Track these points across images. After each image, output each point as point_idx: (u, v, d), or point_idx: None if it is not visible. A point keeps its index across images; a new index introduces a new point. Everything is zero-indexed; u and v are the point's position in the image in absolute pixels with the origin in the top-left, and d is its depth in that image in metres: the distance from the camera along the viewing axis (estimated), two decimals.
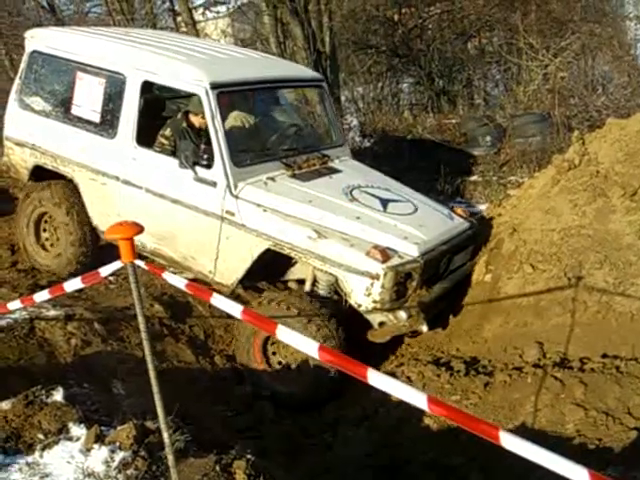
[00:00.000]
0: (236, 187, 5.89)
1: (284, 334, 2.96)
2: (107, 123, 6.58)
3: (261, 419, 5.28)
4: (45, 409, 3.92)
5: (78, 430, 3.75)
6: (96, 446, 3.57)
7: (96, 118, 6.66)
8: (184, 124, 6.38)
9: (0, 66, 20.87)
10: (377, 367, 5.54)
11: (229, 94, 6.33)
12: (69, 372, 4.94)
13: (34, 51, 7.21)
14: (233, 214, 5.87)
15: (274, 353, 5.76)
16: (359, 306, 5.47)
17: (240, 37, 22.51)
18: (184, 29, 16.95)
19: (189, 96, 6.47)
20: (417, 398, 2.49)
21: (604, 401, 4.33)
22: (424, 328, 5.53)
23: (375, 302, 5.36)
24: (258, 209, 5.81)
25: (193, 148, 5.96)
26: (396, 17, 18.46)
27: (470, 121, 13.16)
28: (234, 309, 3.17)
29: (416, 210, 6.17)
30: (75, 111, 6.82)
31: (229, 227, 5.90)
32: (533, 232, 5.97)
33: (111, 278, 6.56)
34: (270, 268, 6.06)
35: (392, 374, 5.37)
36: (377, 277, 5.29)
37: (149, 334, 3.28)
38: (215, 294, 3.32)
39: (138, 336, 5.70)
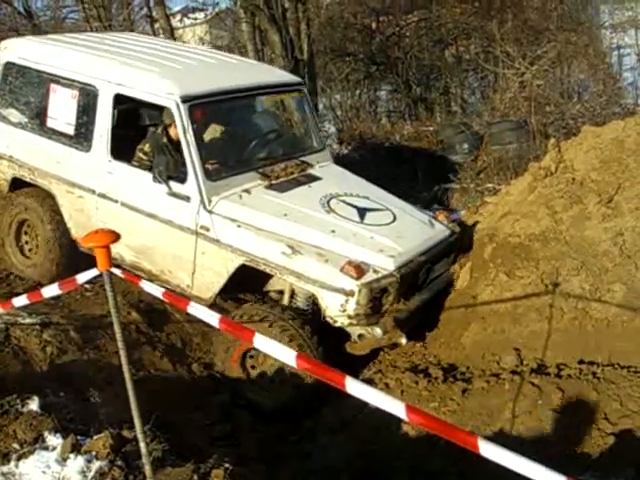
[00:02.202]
0: (210, 202, 5.82)
1: (261, 343, 2.95)
2: (82, 136, 6.51)
3: (239, 427, 5.26)
4: (20, 418, 3.89)
5: (54, 439, 3.72)
6: (72, 456, 3.55)
7: (70, 131, 6.60)
8: (164, 139, 6.26)
9: None
10: (355, 374, 5.52)
11: (202, 106, 6.19)
12: (45, 381, 4.89)
13: (8, 62, 7.12)
14: (208, 229, 5.81)
15: (253, 367, 5.70)
16: (335, 322, 5.40)
17: (218, 44, 22.50)
18: (162, 36, 16.90)
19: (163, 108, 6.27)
20: (395, 407, 2.49)
21: (581, 407, 4.36)
22: (403, 341, 5.49)
23: (350, 318, 5.31)
24: (232, 224, 5.75)
25: (167, 162, 5.89)
26: (374, 25, 18.51)
27: (447, 128, 13.23)
28: (211, 318, 3.16)
29: (394, 219, 6.08)
30: (50, 123, 6.77)
31: (204, 242, 5.84)
32: (510, 239, 5.99)
33: (87, 286, 6.49)
34: (249, 280, 5.95)
35: (370, 381, 5.37)
36: (352, 294, 5.23)
37: (126, 342, 3.26)
38: (192, 303, 3.31)
39: (115, 344, 5.61)
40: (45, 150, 6.79)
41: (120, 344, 3.23)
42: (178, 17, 22.37)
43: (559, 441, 4.21)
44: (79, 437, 3.72)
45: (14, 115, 7.14)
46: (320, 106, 16.10)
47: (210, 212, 5.80)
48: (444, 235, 6.22)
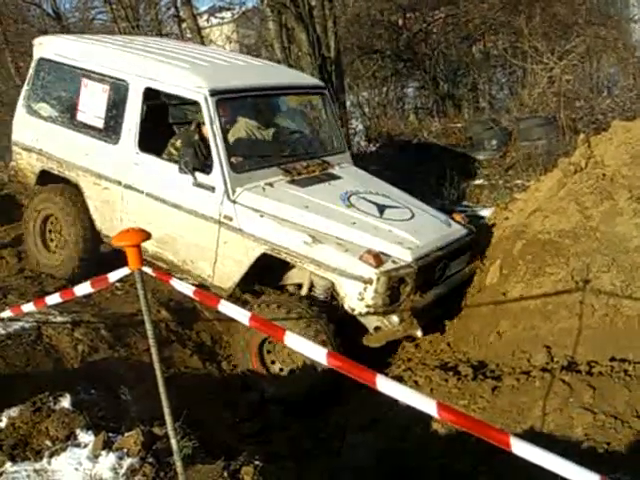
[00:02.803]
0: (234, 192, 5.98)
1: (292, 340, 2.95)
2: (110, 129, 6.73)
3: (269, 425, 5.27)
4: (53, 416, 3.93)
5: (86, 437, 3.76)
6: (104, 452, 3.57)
7: (100, 124, 6.81)
8: (196, 136, 6.41)
9: (6, 73, 20.94)
10: (384, 372, 5.52)
11: (229, 101, 6.46)
12: (76, 379, 4.94)
13: (41, 58, 7.39)
14: (231, 219, 5.96)
15: (273, 362, 5.81)
16: (353, 310, 5.51)
17: (245, 43, 22.55)
18: (189, 35, 16.97)
19: (192, 103, 6.55)
20: (427, 405, 2.48)
21: (612, 405, 4.31)
22: (419, 333, 5.59)
23: (368, 306, 5.41)
24: (255, 214, 5.89)
25: (194, 154, 6.04)
26: (400, 21, 18.46)
27: (475, 125, 13.16)
28: (242, 316, 3.17)
29: (413, 216, 6.22)
30: (80, 117, 6.98)
31: (227, 232, 6.00)
32: (539, 235, 5.95)
33: (117, 284, 6.56)
34: (268, 272, 6.11)
35: (399, 379, 5.36)
36: (370, 282, 5.35)
37: (156, 340, 3.28)
38: (222, 301, 3.32)
39: (145, 342, 5.70)
40: (74, 143, 7.00)
41: (151, 342, 3.25)
42: (205, 17, 22.41)
43: (589, 439, 4.16)
44: (110, 434, 3.75)
45: (45, 109, 7.38)
46: (347, 103, 16.05)
47: (234, 202, 5.96)
48: (460, 234, 6.31)
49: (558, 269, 5.59)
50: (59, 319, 5.70)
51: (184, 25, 17.89)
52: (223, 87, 6.27)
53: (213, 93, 6.05)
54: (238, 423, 5.27)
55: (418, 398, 2.53)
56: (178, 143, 6.54)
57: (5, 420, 3.91)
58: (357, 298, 5.42)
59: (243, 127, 6.75)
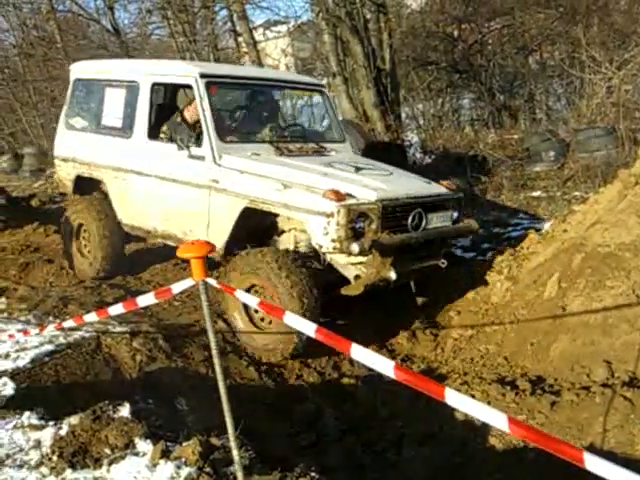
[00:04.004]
0: (220, 157, 6.62)
1: (359, 353, 2.94)
2: (126, 125, 7.63)
3: (324, 436, 5.26)
4: (112, 424, 3.98)
5: (144, 445, 3.79)
6: (162, 462, 3.60)
7: (118, 123, 7.74)
8: (178, 119, 7.24)
9: (65, 88, 21.39)
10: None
11: (217, 83, 7.13)
12: (135, 388, 5.01)
13: (77, 79, 8.54)
14: (217, 181, 6.58)
15: (256, 311, 6.14)
16: (320, 247, 5.94)
17: (300, 56, 22.71)
18: (245, 49, 17.17)
19: (188, 87, 7.26)
20: (497, 419, 2.44)
21: None
22: (392, 275, 5.83)
23: (333, 240, 5.76)
24: (237, 173, 6.48)
25: (188, 132, 6.85)
26: (456, 33, 18.41)
27: (532, 136, 13.03)
28: (307, 328, 3.18)
29: (390, 174, 6.75)
30: (104, 121, 7.97)
31: (215, 194, 6.62)
32: (599, 248, 5.85)
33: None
34: (260, 237, 6.64)
35: None
36: (332, 215, 5.72)
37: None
38: (287, 312, 3.34)
39: (202, 353, 5.76)
40: (99, 145, 7.92)
41: (214, 352, 3.30)
42: (260, 30, 22.65)
43: None
44: (168, 444, 3.77)
45: (78, 122, 8.46)
46: (403, 115, 16.07)
47: (219, 165, 6.60)
48: (439, 190, 6.64)
49: (618, 282, 5.49)
50: (118, 329, 5.80)
51: (240, 39, 18.11)
52: (211, 72, 7.12)
53: (202, 76, 6.85)
54: (293, 434, 5.27)
55: (488, 412, 2.49)
56: (164, 128, 7.29)
57: (66, 428, 3.97)
58: (322, 233, 5.81)
59: (236, 108, 7.80)
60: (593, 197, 7.11)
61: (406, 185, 6.50)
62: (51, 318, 6.08)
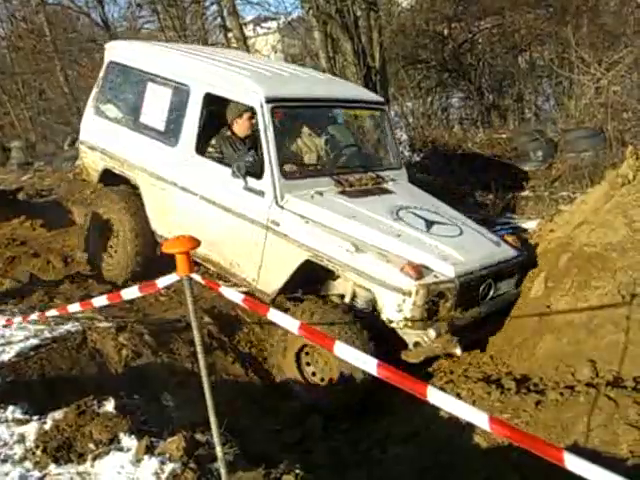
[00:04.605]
0: (282, 198, 6.02)
1: (341, 350, 2.94)
2: (170, 132, 6.88)
3: (310, 434, 5.26)
4: (97, 419, 3.96)
5: (129, 441, 3.78)
6: (146, 457, 3.59)
7: (161, 127, 6.99)
8: (228, 132, 6.66)
9: (55, 81, 21.33)
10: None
11: (284, 108, 6.51)
12: (120, 383, 4.99)
13: (111, 61, 7.71)
14: (278, 224, 5.99)
15: (308, 364, 5.77)
16: (390, 322, 5.45)
17: (290, 52, 22.69)
18: (235, 45, 17.12)
19: (250, 110, 6.50)
20: (478, 417, 2.45)
21: None
22: (458, 351, 5.42)
23: (406, 319, 5.34)
24: (301, 220, 5.91)
25: (245, 159, 6.16)
26: (446, 32, 18.45)
27: (521, 136, 13.08)
28: (291, 325, 3.17)
29: (461, 233, 6.15)
30: (143, 119, 7.20)
31: (273, 237, 6.02)
32: (586, 248, 5.87)
33: (161, 290, 6.61)
34: (313, 281, 6.12)
35: (442, 391, 5.31)
36: (409, 293, 5.27)
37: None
38: (272, 309, 3.33)
39: (188, 348, 5.75)
40: (135, 144, 7.20)
41: (199, 348, 3.28)
42: (251, 26, 22.63)
43: (635, 456, 4.09)
44: (153, 439, 3.76)
45: (111, 111, 7.66)
46: (392, 113, 16.06)
47: (282, 207, 6.00)
48: (510, 254, 6.17)
49: (604, 283, 5.50)
50: (104, 324, 5.77)
51: (230, 35, 18.07)
52: (279, 95, 6.34)
53: (268, 100, 6.13)
54: (279, 431, 5.27)
55: (470, 411, 2.50)
56: (213, 141, 6.72)
57: (50, 422, 3.95)
58: (395, 309, 5.37)
59: (298, 136, 6.88)
60: (580, 197, 7.13)
61: (479, 251, 5.96)
62: (37, 312, 6.05)
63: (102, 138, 7.60)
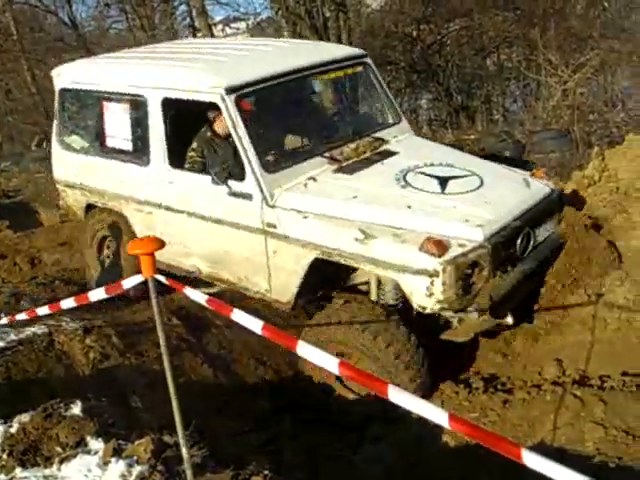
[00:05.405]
0: (272, 196, 5.39)
1: (304, 350, 2.94)
2: (139, 150, 6.33)
3: (280, 434, 5.25)
4: (63, 422, 3.94)
5: (96, 444, 3.76)
6: (113, 460, 3.57)
7: (128, 147, 6.45)
8: (208, 134, 6.08)
9: (22, 81, 21.10)
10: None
11: (250, 95, 5.75)
12: (87, 385, 4.95)
13: (62, 89, 7.11)
14: (275, 226, 5.38)
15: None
16: (424, 309, 4.76)
17: None
18: None
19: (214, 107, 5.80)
20: (438, 415, 2.47)
21: (624, 419, 4.28)
22: (509, 320, 4.98)
23: (440, 302, 4.64)
24: (298, 216, 5.28)
25: (221, 162, 5.69)
26: (415, 33, 18.51)
27: (489, 137, 13.13)
28: (254, 325, 3.16)
29: (482, 184, 5.37)
30: (109, 143, 6.65)
31: (273, 241, 5.43)
32: None
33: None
34: (332, 275, 5.51)
35: None
36: (436, 274, 4.57)
37: (167, 348, 3.28)
38: (235, 310, 3.29)
39: (156, 350, 5.70)
40: (109, 171, 6.64)
41: (163, 349, 3.26)
42: (220, 27, 22.57)
43: (601, 454, 4.14)
44: (120, 442, 3.74)
45: (76, 142, 7.13)
46: None
47: (274, 207, 5.37)
48: (543, 194, 5.45)
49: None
50: (71, 325, 5.71)
51: (199, 35, 18.02)
52: (240, 81, 5.60)
53: (229, 91, 5.46)
54: (248, 432, 5.25)
55: (429, 408, 2.51)
56: (194, 145, 6.12)
57: (16, 425, 3.92)
58: (425, 295, 4.65)
59: (272, 121, 6.19)
60: None
61: (507, 200, 5.20)
62: (2, 315, 5.98)
63: (75, 173, 7.05)
